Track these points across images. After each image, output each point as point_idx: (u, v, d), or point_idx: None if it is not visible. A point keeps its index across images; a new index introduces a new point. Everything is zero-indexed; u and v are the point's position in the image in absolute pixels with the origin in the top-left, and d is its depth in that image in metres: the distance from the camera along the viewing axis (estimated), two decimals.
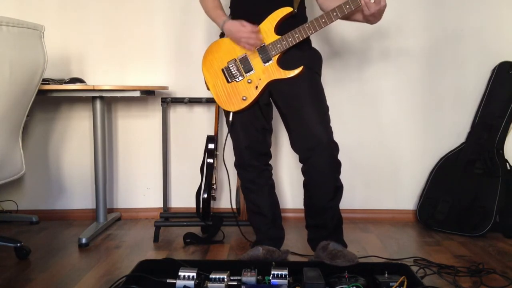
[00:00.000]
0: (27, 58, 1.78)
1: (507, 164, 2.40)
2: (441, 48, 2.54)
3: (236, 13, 1.87)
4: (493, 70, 2.49)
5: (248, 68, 1.79)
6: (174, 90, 2.62)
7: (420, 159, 2.59)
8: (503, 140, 2.43)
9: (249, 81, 1.79)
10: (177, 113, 2.65)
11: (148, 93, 2.48)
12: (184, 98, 2.51)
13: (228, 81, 1.82)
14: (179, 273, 1.49)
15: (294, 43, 1.74)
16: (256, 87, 1.79)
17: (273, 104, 1.90)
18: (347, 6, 1.66)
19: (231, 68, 1.81)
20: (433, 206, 2.45)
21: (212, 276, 1.48)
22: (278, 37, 1.75)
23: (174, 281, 1.48)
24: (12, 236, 2.27)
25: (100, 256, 2.00)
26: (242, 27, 1.74)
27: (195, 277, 1.48)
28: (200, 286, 1.49)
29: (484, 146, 2.43)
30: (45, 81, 2.26)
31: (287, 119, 1.82)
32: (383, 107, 2.59)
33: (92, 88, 2.23)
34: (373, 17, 1.68)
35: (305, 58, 1.80)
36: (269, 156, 1.94)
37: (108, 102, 2.63)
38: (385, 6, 1.64)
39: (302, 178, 1.85)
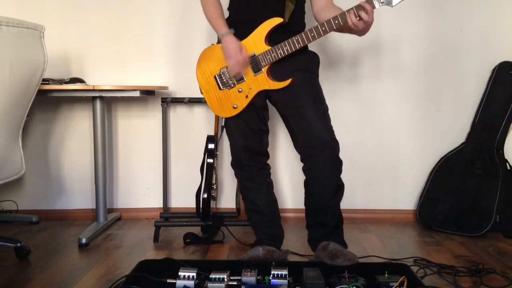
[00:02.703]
0: (27, 58, 1.78)
1: (507, 164, 2.40)
2: (441, 48, 2.54)
3: (235, 16, 1.87)
4: (493, 70, 2.49)
5: (239, 77, 1.80)
6: (174, 90, 2.62)
7: (420, 159, 2.59)
8: (503, 140, 2.43)
9: (240, 90, 1.80)
10: (177, 113, 2.65)
11: (148, 93, 2.48)
12: (184, 98, 2.52)
13: (220, 88, 1.83)
14: (179, 273, 1.49)
15: (283, 55, 1.73)
16: (247, 96, 1.80)
17: (269, 105, 1.90)
18: (336, 22, 1.65)
19: (222, 75, 1.82)
20: (433, 206, 2.45)
21: (212, 276, 1.48)
22: (269, 47, 1.75)
23: (174, 281, 1.48)
24: (12, 236, 2.27)
25: (100, 256, 2.00)
26: (238, 52, 1.73)
27: (195, 277, 1.48)
28: (200, 286, 1.49)
29: (484, 146, 2.43)
30: (45, 81, 2.26)
31: (288, 120, 1.82)
32: (383, 107, 2.59)
33: (92, 88, 2.23)
34: (361, 32, 1.68)
35: (300, 62, 1.80)
36: (266, 156, 1.94)
37: (108, 102, 2.63)
38: (372, 22, 1.63)
39: (302, 178, 1.86)
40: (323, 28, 1.67)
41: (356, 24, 1.61)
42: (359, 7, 1.60)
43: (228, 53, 1.76)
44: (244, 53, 1.75)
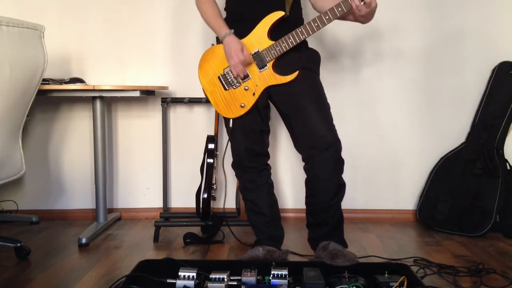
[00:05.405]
0: (27, 58, 1.78)
1: (507, 164, 2.40)
2: (441, 48, 2.54)
3: (234, 15, 1.87)
4: (493, 70, 2.49)
5: (243, 76, 1.79)
6: (174, 90, 2.62)
7: (420, 159, 2.59)
8: (503, 140, 2.43)
9: (246, 88, 1.79)
10: (177, 113, 2.65)
11: (148, 93, 2.48)
12: (184, 98, 2.51)
13: (225, 89, 1.82)
14: (179, 273, 1.49)
15: (288, 48, 1.73)
16: (254, 93, 1.79)
17: (271, 105, 1.90)
18: (339, 9, 1.66)
19: (227, 75, 1.81)
20: (433, 206, 2.45)
21: (212, 276, 1.48)
22: (272, 42, 1.75)
23: (174, 281, 1.48)
24: (12, 236, 2.27)
25: (100, 256, 2.00)
26: (239, 52, 1.73)
27: (195, 277, 1.48)
28: (200, 286, 1.49)
29: (484, 146, 2.43)
30: (45, 81, 2.26)
31: (289, 119, 1.82)
32: (383, 107, 2.59)
33: (92, 88, 2.23)
34: (364, 18, 1.69)
35: (303, 59, 1.80)
36: (267, 156, 1.94)
37: (108, 102, 2.63)
38: (376, 6, 1.65)
39: (303, 178, 1.86)
40: (327, 17, 1.68)
41: (360, 8, 1.62)
42: None
43: (230, 53, 1.76)
44: (245, 53, 1.74)
